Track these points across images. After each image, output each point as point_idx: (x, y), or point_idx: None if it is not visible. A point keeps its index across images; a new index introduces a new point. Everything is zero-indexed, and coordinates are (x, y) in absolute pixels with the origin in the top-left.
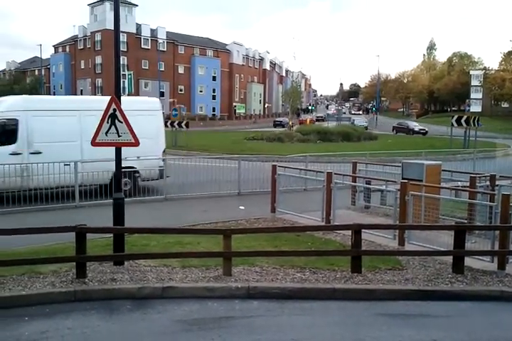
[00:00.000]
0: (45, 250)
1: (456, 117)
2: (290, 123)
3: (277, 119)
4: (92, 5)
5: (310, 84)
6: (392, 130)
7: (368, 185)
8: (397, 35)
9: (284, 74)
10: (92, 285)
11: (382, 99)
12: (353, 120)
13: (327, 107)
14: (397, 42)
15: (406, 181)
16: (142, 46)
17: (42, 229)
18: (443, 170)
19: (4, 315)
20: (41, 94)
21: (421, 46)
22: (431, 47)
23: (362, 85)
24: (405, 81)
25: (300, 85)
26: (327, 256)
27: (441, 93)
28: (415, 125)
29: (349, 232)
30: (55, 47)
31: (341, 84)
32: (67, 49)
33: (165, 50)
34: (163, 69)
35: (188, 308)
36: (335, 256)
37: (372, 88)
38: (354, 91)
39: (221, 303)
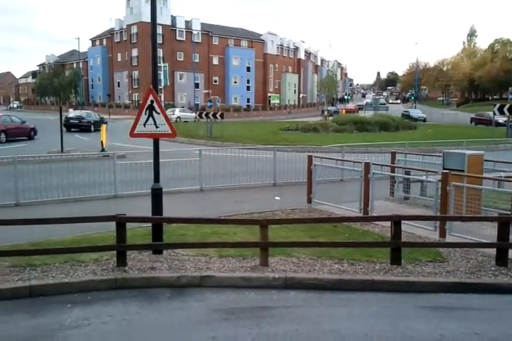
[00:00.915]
0: (86, 239)
1: (498, 105)
2: (326, 113)
3: (328, 108)
4: None
5: (346, 73)
6: (471, 122)
7: (407, 176)
8: (436, 22)
9: (319, 64)
10: (132, 273)
11: (421, 87)
12: (408, 111)
13: (364, 96)
14: (436, 30)
15: (447, 171)
16: (177, 38)
17: (83, 218)
18: (485, 160)
19: (48, 301)
20: (79, 87)
21: (461, 33)
22: (471, 34)
23: (400, 74)
24: (445, 69)
25: (336, 74)
26: (365, 247)
27: (483, 81)
28: (498, 116)
29: (388, 224)
30: (92, 40)
31: (378, 73)
32: (104, 42)
33: (199, 41)
34: (197, 60)
35: (225, 297)
36: (373, 248)
37: (411, 76)
38: (392, 80)
39: (258, 293)
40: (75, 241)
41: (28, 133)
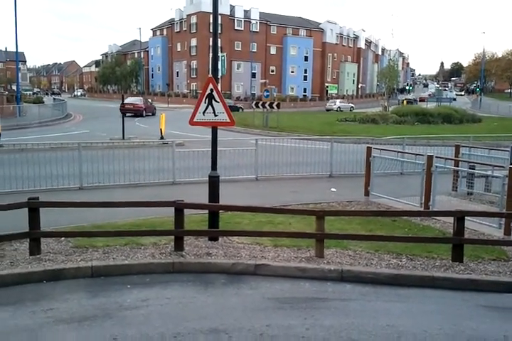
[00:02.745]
0: (146, 223)
1: None
2: (385, 103)
3: (408, 97)
4: None
5: (408, 63)
6: None
7: (471, 170)
8: (505, 10)
9: (379, 53)
10: (189, 258)
11: (488, 79)
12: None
13: (426, 86)
14: (505, 18)
15: None
16: (235, 28)
17: (144, 202)
18: None
19: (109, 282)
20: (140, 76)
21: None
22: None
23: (465, 64)
24: None
25: (397, 64)
26: (425, 243)
27: None
28: None
29: (449, 219)
30: (153, 30)
31: (442, 63)
32: (165, 32)
33: (257, 30)
34: (255, 50)
35: (279, 287)
36: (434, 244)
37: (476, 67)
38: (456, 71)
39: (313, 284)
40: (135, 224)
41: (153, 111)
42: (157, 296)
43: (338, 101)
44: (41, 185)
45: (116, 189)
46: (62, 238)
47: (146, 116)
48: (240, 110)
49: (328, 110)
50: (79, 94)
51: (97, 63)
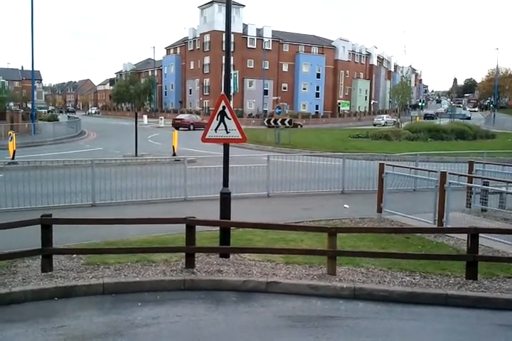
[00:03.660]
0: (157, 240)
1: None
2: (398, 120)
3: (428, 112)
4: (201, 7)
5: (420, 80)
6: None
7: (485, 186)
8: None
9: (392, 70)
10: (200, 275)
11: (501, 95)
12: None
13: (439, 102)
14: None
15: None
16: (248, 46)
17: (156, 219)
18: None
19: (120, 299)
20: (153, 94)
21: None
22: None
23: (478, 80)
24: None
25: (410, 80)
26: (439, 260)
27: None
28: None
29: (463, 236)
30: (167, 49)
31: (455, 79)
32: (178, 51)
33: (270, 48)
34: (267, 67)
35: (291, 304)
36: (447, 261)
37: (490, 83)
38: (469, 87)
39: (325, 302)
40: (147, 241)
41: (204, 126)
42: (168, 314)
43: (384, 116)
44: (54, 202)
45: (128, 206)
46: (74, 255)
47: (195, 130)
48: (299, 127)
49: (375, 125)
50: (93, 111)
51: (111, 81)
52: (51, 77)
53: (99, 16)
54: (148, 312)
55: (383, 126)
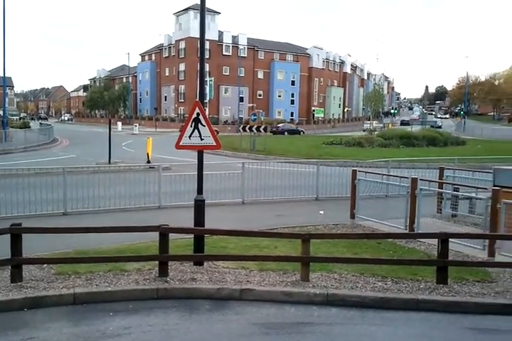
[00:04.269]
0: (130, 248)
1: None
2: (371, 127)
3: (404, 119)
4: (177, 14)
5: (393, 87)
6: None
7: (455, 192)
8: (487, 35)
9: (365, 77)
10: (174, 283)
11: (471, 102)
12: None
13: (410, 109)
14: (487, 42)
15: (498, 188)
16: (223, 53)
17: (128, 228)
18: None
19: (91, 309)
20: (128, 101)
21: None
22: None
23: (449, 88)
24: (496, 83)
25: (382, 88)
26: (410, 265)
27: None
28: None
29: (434, 241)
30: (142, 55)
31: (427, 87)
32: (153, 57)
33: (245, 55)
34: (243, 74)
35: (265, 311)
36: (419, 266)
37: (460, 91)
38: (440, 94)
39: (299, 308)
40: (119, 250)
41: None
42: (140, 323)
43: (374, 122)
44: (25, 211)
45: (101, 214)
46: (45, 265)
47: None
48: (302, 133)
49: (364, 130)
50: (66, 118)
51: (84, 88)
52: (23, 83)
53: (74, 22)
54: (120, 322)
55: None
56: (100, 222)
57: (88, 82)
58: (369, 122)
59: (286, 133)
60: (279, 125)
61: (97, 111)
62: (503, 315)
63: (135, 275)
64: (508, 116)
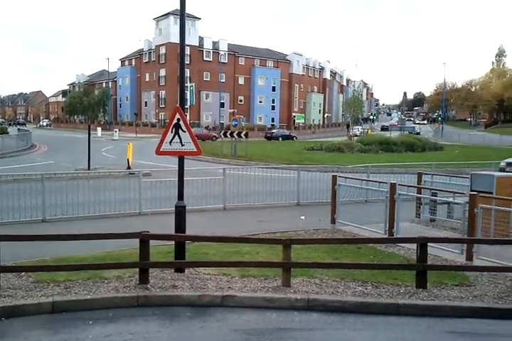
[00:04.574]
0: (110, 256)
1: None
2: (350, 133)
3: (384, 124)
4: (157, 19)
5: (372, 93)
6: None
7: (434, 197)
8: (464, 42)
9: (344, 84)
10: (154, 291)
11: (449, 108)
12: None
13: (389, 115)
14: (464, 49)
15: (475, 193)
16: (204, 58)
17: (108, 235)
18: None
19: (71, 317)
20: (108, 106)
21: (489, 53)
22: (500, 54)
23: (427, 94)
24: (473, 89)
25: (361, 94)
26: (390, 270)
27: None
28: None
29: (413, 246)
30: (122, 60)
31: (405, 93)
32: (133, 62)
33: (226, 61)
34: (223, 80)
35: (246, 318)
36: (398, 270)
37: (438, 97)
38: (418, 100)
39: (280, 314)
40: (99, 257)
41: (212, 138)
42: (120, 331)
43: (359, 127)
44: (3, 218)
45: (80, 221)
46: (23, 273)
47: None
48: (295, 138)
49: (356, 135)
50: (44, 124)
51: (63, 93)
52: (1, 88)
53: (53, 27)
54: (100, 330)
55: (358, 135)
56: (80, 229)
57: (67, 87)
58: (357, 127)
59: (280, 138)
60: (273, 131)
61: (76, 117)
62: (481, 318)
63: (115, 282)
64: (485, 122)
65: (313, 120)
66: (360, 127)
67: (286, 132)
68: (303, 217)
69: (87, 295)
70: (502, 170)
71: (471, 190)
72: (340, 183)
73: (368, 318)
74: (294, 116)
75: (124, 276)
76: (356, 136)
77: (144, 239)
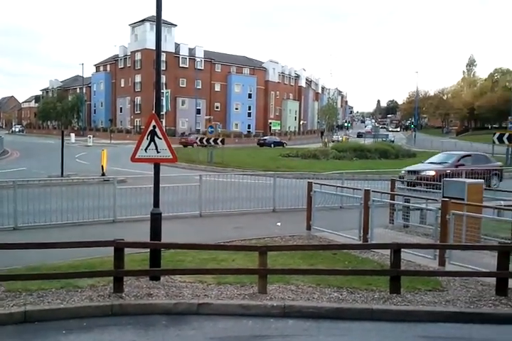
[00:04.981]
0: (84, 264)
1: (497, 134)
2: (326, 140)
3: (360, 131)
4: (132, 25)
5: (346, 101)
6: None
7: (407, 203)
8: (436, 52)
9: (319, 91)
10: (129, 299)
11: (421, 116)
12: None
13: (363, 122)
14: (436, 59)
15: (447, 200)
16: (180, 65)
17: (81, 243)
18: (485, 189)
19: (43, 327)
20: (82, 112)
21: (461, 62)
22: (471, 64)
23: (400, 102)
24: (445, 98)
25: (336, 102)
26: (365, 275)
27: (483, 110)
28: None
29: (387, 251)
30: (96, 66)
31: (378, 101)
32: (108, 68)
33: (202, 68)
34: (200, 87)
35: (222, 325)
36: (373, 276)
37: (411, 105)
38: (391, 108)
39: (256, 321)
40: (73, 266)
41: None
42: None
43: (342, 133)
44: None
45: (53, 228)
46: None
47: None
48: (285, 145)
49: (333, 141)
50: (17, 130)
51: (36, 99)
52: None
53: (26, 32)
54: (73, 340)
55: (339, 141)
56: (53, 237)
57: (40, 93)
58: (338, 134)
59: (272, 145)
60: (265, 138)
61: (49, 123)
62: (453, 322)
63: (89, 291)
64: (456, 129)
65: (289, 127)
66: (342, 133)
67: (278, 139)
68: (279, 224)
69: (61, 305)
70: (401, 178)
71: (443, 197)
72: (315, 190)
73: (344, 324)
74: (270, 123)
75: (98, 285)
76: (333, 142)
77: (119, 246)
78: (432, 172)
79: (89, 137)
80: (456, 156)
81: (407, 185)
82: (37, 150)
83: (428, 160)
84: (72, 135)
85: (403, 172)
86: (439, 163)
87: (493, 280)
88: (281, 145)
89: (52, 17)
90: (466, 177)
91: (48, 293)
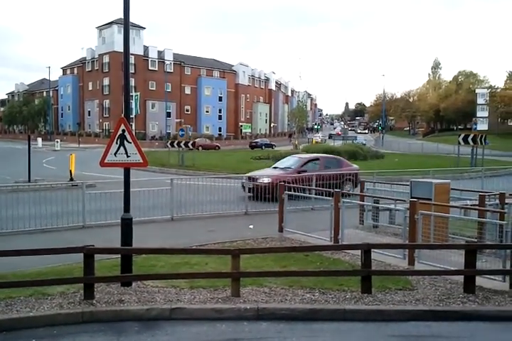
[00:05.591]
0: (53, 271)
1: (462, 136)
2: (296, 142)
3: (332, 133)
4: (100, 28)
5: (316, 104)
6: None
7: (376, 204)
8: (402, 55)
9: (289, 94)
10: (100, 306)
11: (389, 118)
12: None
13: (332, 125)
14: (402, 62)
15: (415, 200)
16: (149, 68)
17: (50, 250)
18: (452, 189)
19: (12, 336)
20: (49, 116)
21: (426, 65)
22: (436, 66)
23: (367, 104)
24: (411, 100)
25: (306, 105)
26: (336, 276)
27: (448, 112)
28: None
29: (358, 252)
30: (63, 69)
31: (347, 104)
32: (75, 71)
33: (172, 71)
34: (170, 90)
35: (196, 330)
36: (344, 276)
37: (378, 107)
38: (360, 110)
39: (230, 325)
40: (42, 273)
41: (215, 147)
42: None
43: (320, 134)
44: None
45: (20, 235)
46: None
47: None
48: (274, 147)
49: (317, 142)
50: None
51: (2, 103)
52: None
53: None
54: None
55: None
56: (19, 244)
57: (6, 97)
58: (318, 135)
59: (263, 147)
60: (256, 140)
61: (15, 127)
62: (423, 321)
63: (59, 299)
64: (423, 131)
65: (260, 129)
66: (320, 134)
67: (268, 141)
68: (251, 226)
69: (30, 313)
70: (242, 184)
71: (411, 197)
72: (287, 192)
73: (317, 325)
74: (241, 126)
75: (69, 292)
76: (317, 142)
77: (89, 253)
78: (268, 180)
79: (57, 141)
80: (300, 161)
81: (249, 192)
82: (3, 155)
83: (275, 165)
84: (39, 139)
85: (244, 178)
86: (283, 169)
87: (460, 278)
88: (270, 147)
89: (18, 19)
90: (316, 184)
91: (16, 301)
